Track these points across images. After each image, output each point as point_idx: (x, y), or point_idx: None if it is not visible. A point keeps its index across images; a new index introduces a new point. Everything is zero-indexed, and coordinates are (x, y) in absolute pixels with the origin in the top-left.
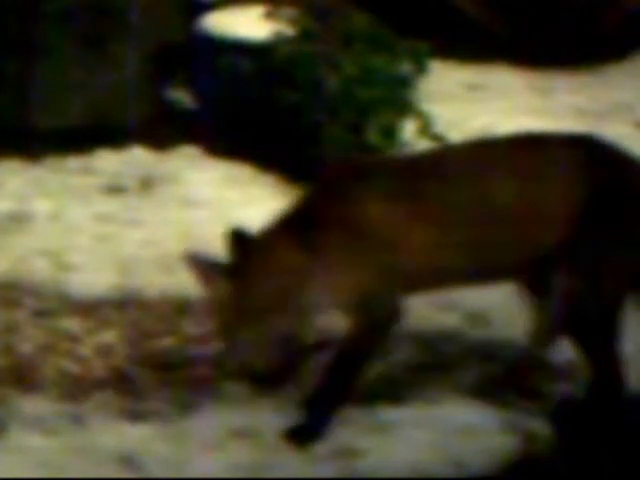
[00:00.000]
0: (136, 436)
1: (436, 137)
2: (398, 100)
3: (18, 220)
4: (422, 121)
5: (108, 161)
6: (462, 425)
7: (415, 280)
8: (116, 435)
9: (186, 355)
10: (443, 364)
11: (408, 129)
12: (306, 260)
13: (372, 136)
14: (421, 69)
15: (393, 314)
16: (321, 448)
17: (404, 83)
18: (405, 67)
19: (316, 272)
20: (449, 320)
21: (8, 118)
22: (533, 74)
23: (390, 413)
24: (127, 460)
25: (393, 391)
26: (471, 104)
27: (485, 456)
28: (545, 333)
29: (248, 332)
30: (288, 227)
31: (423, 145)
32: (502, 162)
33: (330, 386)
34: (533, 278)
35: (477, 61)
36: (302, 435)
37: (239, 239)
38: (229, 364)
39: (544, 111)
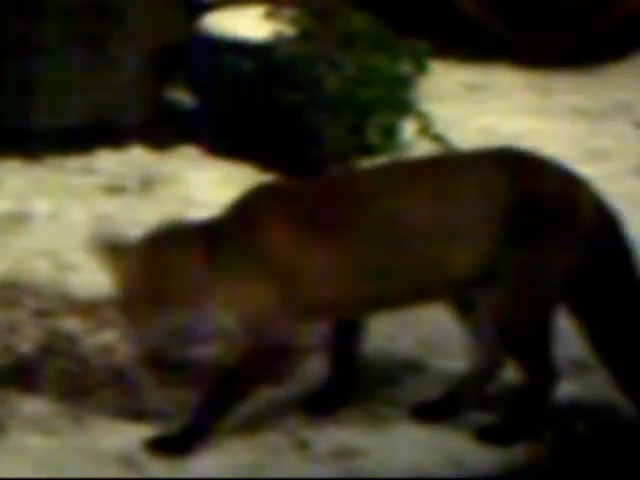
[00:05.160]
0: (136, 436)
1: (436, 137)
2: (398, 100)
3: (18, 220)
4: (422, 121)
5: (108, 161)
6: (461, 425)
7: (321, 307)
8: (116, 435)
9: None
10: (442, 364)
11: (408, 129)
12: (204, 271)
13: (372, 136)
14: (421, 69)
15: (286, 344)
16: (321, 448)
17: (404, 83)
18: (405, 67)
19: (212, 286)
20: (449, 320)
21: (8, 118)
22: (533, 74)
23: (390, 413)
24: (127, 460)
25: (393, 391)
26: (471, 104)
27: (485, 456)
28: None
29: (152, 321)
30: (202, 232)
31: (423, 145)
32: (417, 184)
33: (207, 406)
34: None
35: (477, 61)
36: (169, 445)
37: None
38: (137, 350)
39: (544, 111)
